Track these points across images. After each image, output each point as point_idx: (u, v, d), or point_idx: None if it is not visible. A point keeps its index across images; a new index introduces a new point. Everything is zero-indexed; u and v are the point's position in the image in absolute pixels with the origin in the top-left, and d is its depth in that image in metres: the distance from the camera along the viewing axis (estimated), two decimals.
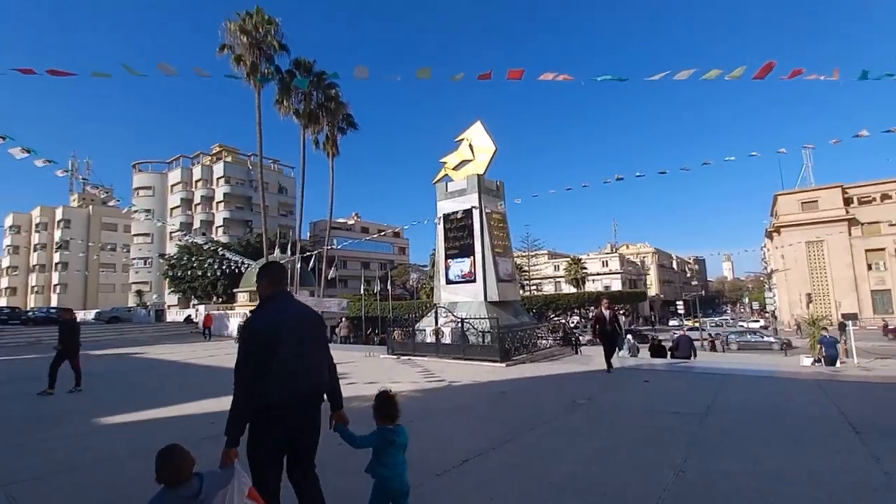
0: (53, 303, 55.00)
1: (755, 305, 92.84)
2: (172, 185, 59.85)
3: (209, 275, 31.16)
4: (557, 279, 71.56)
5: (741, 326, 49.41)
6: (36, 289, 64.38)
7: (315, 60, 31.59)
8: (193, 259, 35.03)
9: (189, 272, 38.07)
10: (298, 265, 28.07)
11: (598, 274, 71.62)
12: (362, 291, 27.99)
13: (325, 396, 2.66)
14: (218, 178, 57.99)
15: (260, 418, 2.29)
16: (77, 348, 8.88)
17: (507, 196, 15.75)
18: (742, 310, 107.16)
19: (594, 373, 9.73)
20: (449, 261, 14.79)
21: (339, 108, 33.43)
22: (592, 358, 12.06)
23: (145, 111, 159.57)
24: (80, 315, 38.83)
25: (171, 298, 48.85)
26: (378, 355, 14.20)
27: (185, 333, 27.92)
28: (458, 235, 14.61)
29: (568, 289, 63.44)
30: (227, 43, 28.38)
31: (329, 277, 27.34)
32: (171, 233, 52.60)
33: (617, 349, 9.89)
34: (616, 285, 68.20)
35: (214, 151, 62.17)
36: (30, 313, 35.37)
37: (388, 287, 27.26)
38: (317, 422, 2.56)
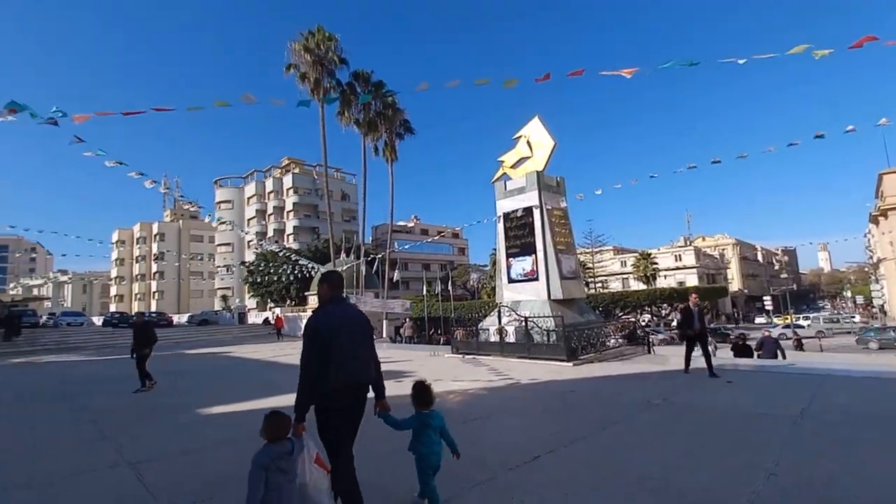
0: (153, 308, 61.88)
1: (859, 299, 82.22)
2: (248, 198, 65.06)
3: (283, 279, 33.52)
4: (625, 276, 68.32)
5: (854, 322, 44.00)
6: (139, 296, 72.84)
7: (372, 71, 32.92)
8: (269, 265, 37.83)
9: (266, 277, 41.16)
10: (363, 268, 29.38)
11: (671, 269, 67.34)
12: (424, 292, 28.67)
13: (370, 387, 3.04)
14: (287, 189, 62.13)
15: (323, 402, 2.75)
16: (144, 349, 9.47)
17: (568, 192, 15.42)
18: (843, 304, 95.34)
19: (670, 373, 9.27)
20: (510, 259, 14.76)
21: (396, 114, 34.50)
22: (667, 358, 11.48)
23: (223, 130, 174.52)
24: (175, 318, 43.58)
25: (251, 302, 53.05)
26: (442, 354, 14.51)
27: (264, 334, 30.23)
28: (519, 234, 14.54)
29: (637, 286, 60.34)
30: (293, 62, 30.39)
31: (394, 280, 28.32)
32: (248, 242, 57.19)
33: (703, 349, 8.77)
34: (692, 280, 63.78)
35: (284, 164, 66.68)
36: (135, 317, 40.10)
37: (449, 288, 27.67)
38: (362, 408, 2.94)
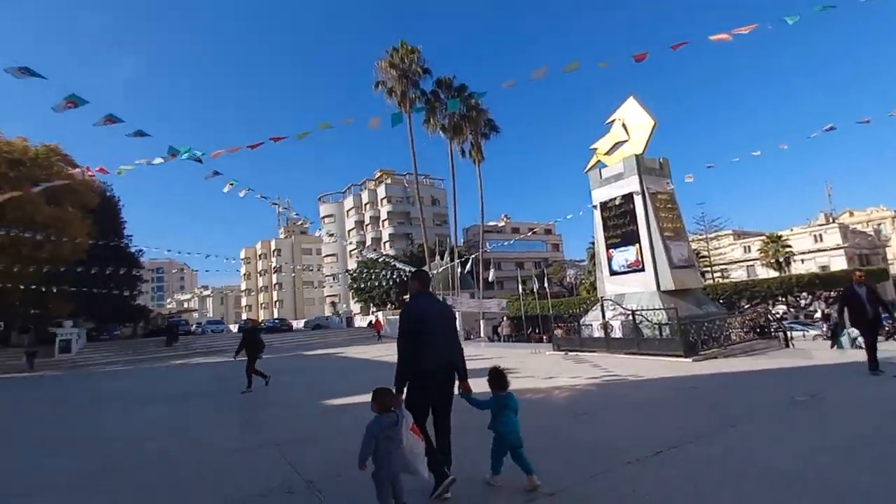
0: (275, 315, 69.87)
1: None
2: (348, 211, 70.43)
3: (383, 284, 35.59)
4: (749, 262, 60.41)
5: None
6: (264, 305, 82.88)
7: (454, 76, 33.58)
8: (370, 272, 40.52)
9: (367, 283, 44.13)
10: (458, 270, 30.05)
11: (809, 252, 57.93)
12: (520, 291, 28.40)
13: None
14: (381, 199, 66.02)
15: (414, 380, 3.22)
16: (253, 355, 9.86)
17: (674, 174, 14.22)
18: None
19: (816, 368, 8.07)
20: (611, 251, 14.03)
21: (479, 115, 34.79)
22: (810, 352, 9.99)
23: (322, 150, 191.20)
24: (294, 324, 48.82)
25: (356, 307, 57.30)
26: (543, 352, 14.27)
27: (369, 336, 32.44)
28: (619, 223, 13.77)
29: (765, 273, 52.97)
30: (381, 79, 32.31)
31: (489, 279, 28.50)
32: (350, 251, 61.86)
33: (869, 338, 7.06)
34: (838, 263, 54.14)
35: (377, 176, 71.02)
36: (262, 324, 45.82)
37: (545, 285, 27.05)
38: (450, 387, 3.35)
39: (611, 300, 12.93)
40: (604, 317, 12.67)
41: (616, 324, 12.29)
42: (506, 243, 30.19)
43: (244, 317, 77.06)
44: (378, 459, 2.84)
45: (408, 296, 3.92)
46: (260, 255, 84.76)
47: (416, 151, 32.29)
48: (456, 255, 30.47)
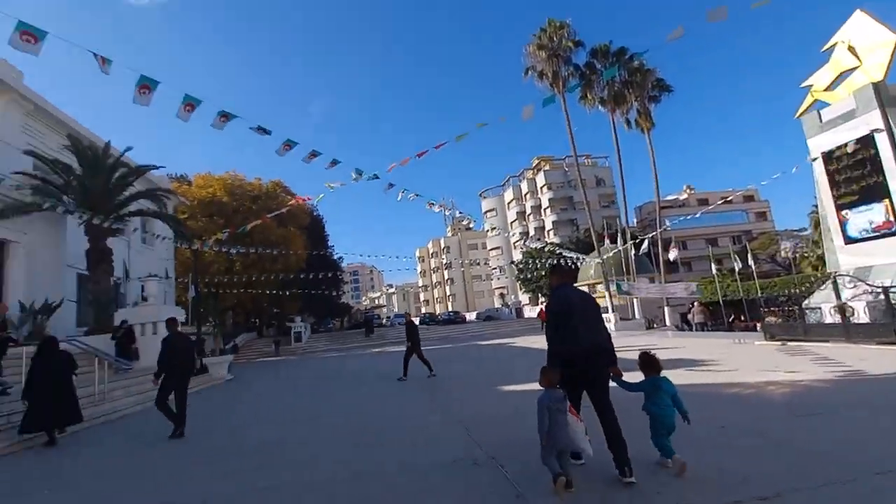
0: (449, 308, 75.82)
1: None
2: (508, 203, 71.74)
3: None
4: None
5: None
6: (439, 299, 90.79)
7: (610, 41, 31.01)
8: (535, 262, 40.54)
9: (534, 274, 44.25)
10: (631, 253, 27.71)
11: None
12: (713, 271, 24.65)
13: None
14: (541, 187, 65.21)
15: (565, 364, 3.44)
16: (415, 345, 10.71)
17: None
18: None
19: None
20: (844, 213, 11.13)
21: (645, 76, 31.36)
22: None
23: (478, 147, 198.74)
24: (467, 316, 52.24)
25: (524, 298, 58.09)
26: (751, 342, 12.15)
27: (538, 327, 32.53)
28: (854, 175, 10.82)
29: None
30: (529, 65, 31.92)
31: (672, 261, 25.53)
32: (514, 243, 62.89)
33: None
34: None
35: (534, 164, 70.48)
36: (439, 317, 50.30)
37: (750, 263, 22.78)
38: (600, 370, 3.52)
39: (848, 276, 10.26)
40: (838, 297, 10.12)
41: (859, 306, 9.70)
42: (688, 217, 26.47)
43: (423, 310, 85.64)
44: (552, 431, 3.16)
45: (576, 284, 4.09)
46: (432, 254, 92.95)
47: (574, 132, 30.88)
48: (628, 236, 28.10)
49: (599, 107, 32.06)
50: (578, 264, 30.75)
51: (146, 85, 6.13)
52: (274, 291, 28.84)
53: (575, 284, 4.56)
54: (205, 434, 6.42)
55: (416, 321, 15.69)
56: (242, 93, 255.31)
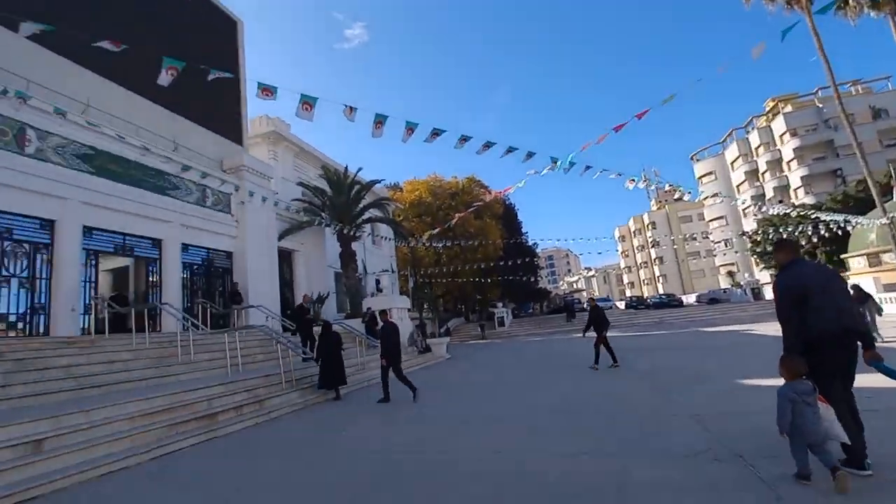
0: (660, 290, 68.56)
1: None
2: (732, 162, 60.25)
3: (802, 243, 28.41)
4: None
5: None
6: (645, 281, 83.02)
7: None
8: (780, 230, 33.23)
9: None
10: None
11: None
12: None
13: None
14: (781, 135, 52.52)
15: (810, 348, 3.22)
16: (601, 331, 10.99)
17: None
18: None
19: None
20: None
21: None
22: None
23: (693, 106, 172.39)
24: (684, 299, 46.48)
25: (763, 275, 48.32)
26: None
27: None
28: None
29: None
30: None
31: None
32: (743, 209, 52.75)
33: None
34: None
35: (768, 108, 57.37)
36: (648, 300, 46.21)
37: None
38: (848, 354, 3.23)
39: None
40: None
41: None
42: None
43: (628, 293, 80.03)
44: (797, 423, 3.04)
45: (849, 254, 3.57)
46: (634, 232, 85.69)
47: (776, 57, 23.96)
48: None
49: (871, 13, 24.03)
50: (849, 229, 24.08)
51: (380, 121, 7.63)
52: (476, 279, 31.47)
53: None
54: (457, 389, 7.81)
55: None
56: (430, 105, 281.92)
